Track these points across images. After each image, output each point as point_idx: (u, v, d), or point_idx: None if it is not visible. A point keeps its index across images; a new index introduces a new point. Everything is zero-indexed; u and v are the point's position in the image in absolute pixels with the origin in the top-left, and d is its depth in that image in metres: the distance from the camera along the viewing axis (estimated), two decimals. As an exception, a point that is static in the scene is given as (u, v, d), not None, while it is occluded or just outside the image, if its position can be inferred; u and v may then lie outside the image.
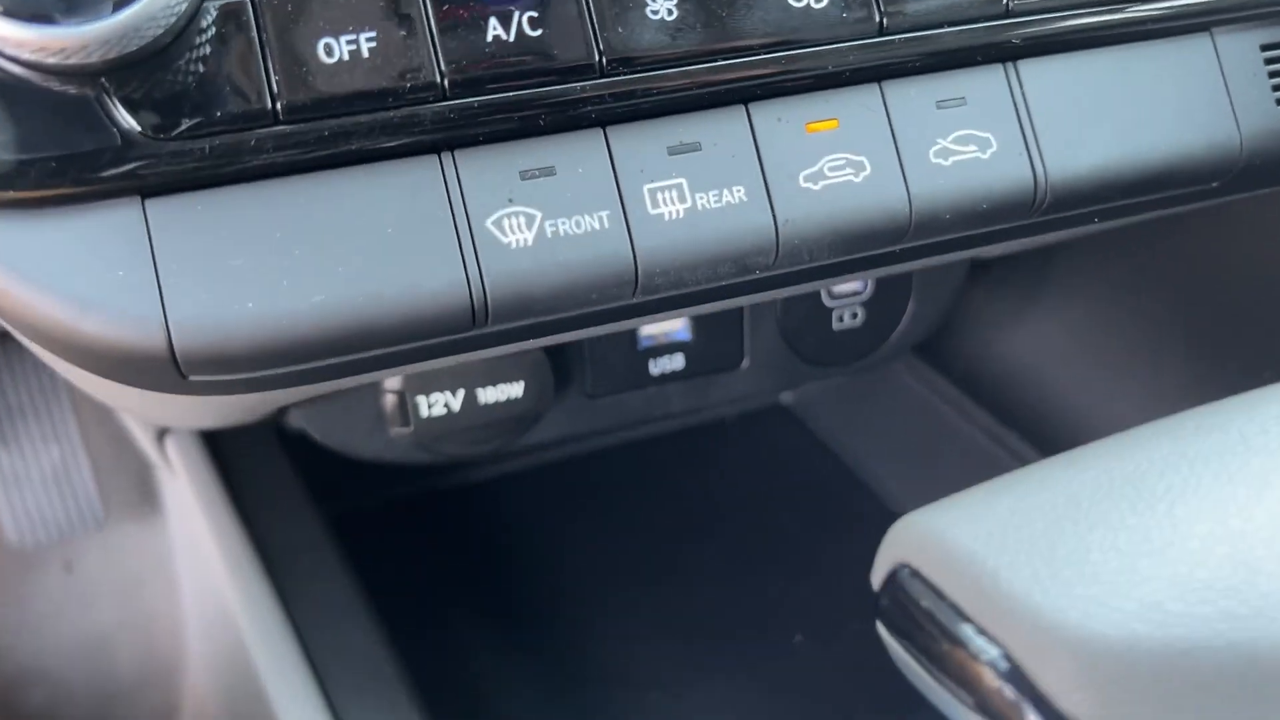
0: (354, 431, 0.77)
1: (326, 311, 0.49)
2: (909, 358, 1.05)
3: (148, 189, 0.48)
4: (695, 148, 0.53)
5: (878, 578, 0.46)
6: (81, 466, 1.18)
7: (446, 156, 0.51)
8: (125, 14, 0.43)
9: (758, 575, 1.03)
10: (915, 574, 0.43)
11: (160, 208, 0.48)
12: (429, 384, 0.75)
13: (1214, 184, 0.63)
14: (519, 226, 0.51)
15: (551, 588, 1.00)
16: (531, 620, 0.98)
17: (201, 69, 0.47)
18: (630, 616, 0.98)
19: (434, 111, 0.49)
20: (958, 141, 0.57)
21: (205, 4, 0.47)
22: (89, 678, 1.22)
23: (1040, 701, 0.39)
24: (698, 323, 0.85)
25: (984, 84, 0.57)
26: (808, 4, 0.53)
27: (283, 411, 0.77)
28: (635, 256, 0.52)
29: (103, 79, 0.45)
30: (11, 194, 0.46)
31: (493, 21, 0.50)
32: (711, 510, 1.10)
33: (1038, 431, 0.98)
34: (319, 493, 0.91)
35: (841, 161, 0.55)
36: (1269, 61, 0.62)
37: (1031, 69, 0.58)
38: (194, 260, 0.48)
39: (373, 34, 0.48)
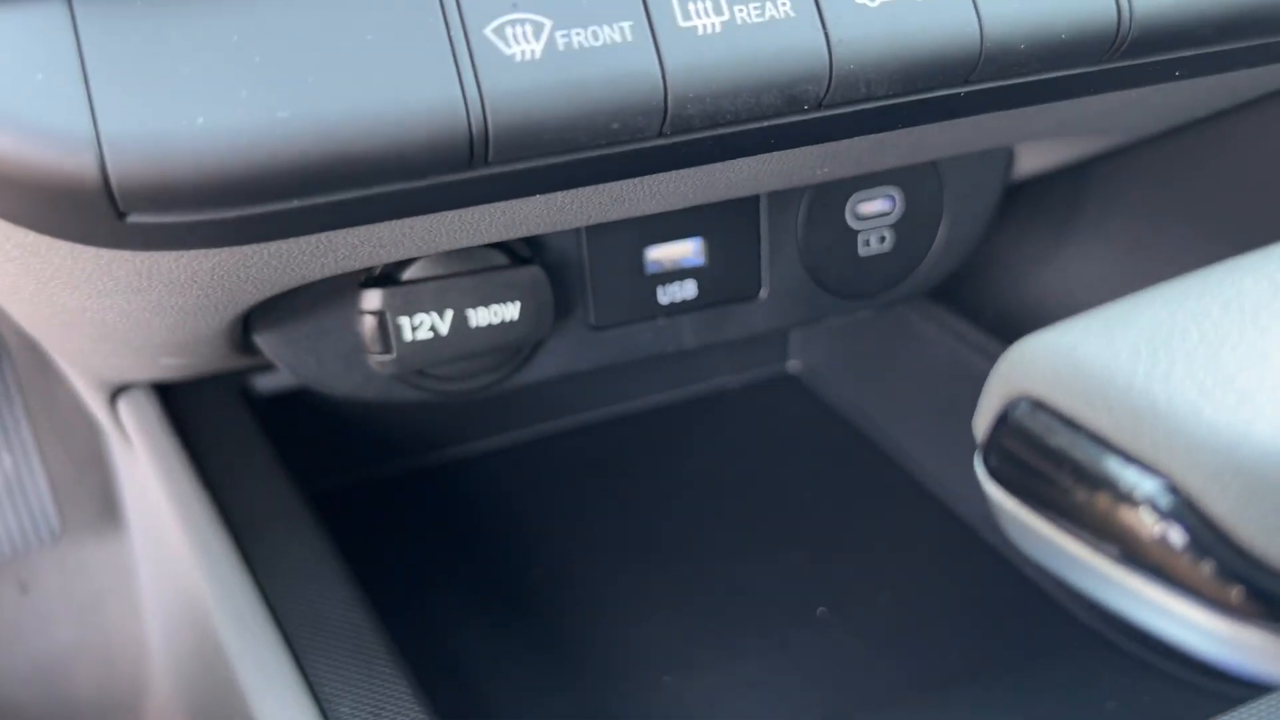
0: (328, 362, 0.68)
1: (293, 130, 0.40)
2: (930, 306, 0.97)
3: (74, -24, 0.39)
4: (729, -53, 0.45)
5: (983, 422, 0.37)
6: (36, 477, 1.09)
7: None
8: None
9: (773, 549, 0.94)
10: (1039, 405, 0.35)
11: (90, 1, 0.39)
12: (413, 303, 0.66)
13: None
14: (524, 36, 0.43)
15: (552, 566, 0.91)
16: (531, 601, 0.88)
17: None
18: (637, 595, 0.89)
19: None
20: (1031, -38, 0.49)
21: None
22: (46, 702, 1.13)
23: (1218, 539, 0.31)
24: (712, 247, 0.77)
25: None
26: None
27: (248, 346, 0.68)
28: (664, 76, 0.44)
29: None
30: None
31: None
32: (719, 484, 1.01)
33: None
34: (295, 471, 0.81)
35: (901, -25, 0.47)
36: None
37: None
38: (131, 65, 0.39)
39: None
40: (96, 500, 1.06)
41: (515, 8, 0.43)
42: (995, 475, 0.36)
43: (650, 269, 0.75)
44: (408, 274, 0.66)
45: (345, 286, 0.67)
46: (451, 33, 0.42)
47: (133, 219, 0.41)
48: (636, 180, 0.51)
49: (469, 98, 0.42)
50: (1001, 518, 0.37)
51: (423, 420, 0.97)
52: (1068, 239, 0.92)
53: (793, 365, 1.14)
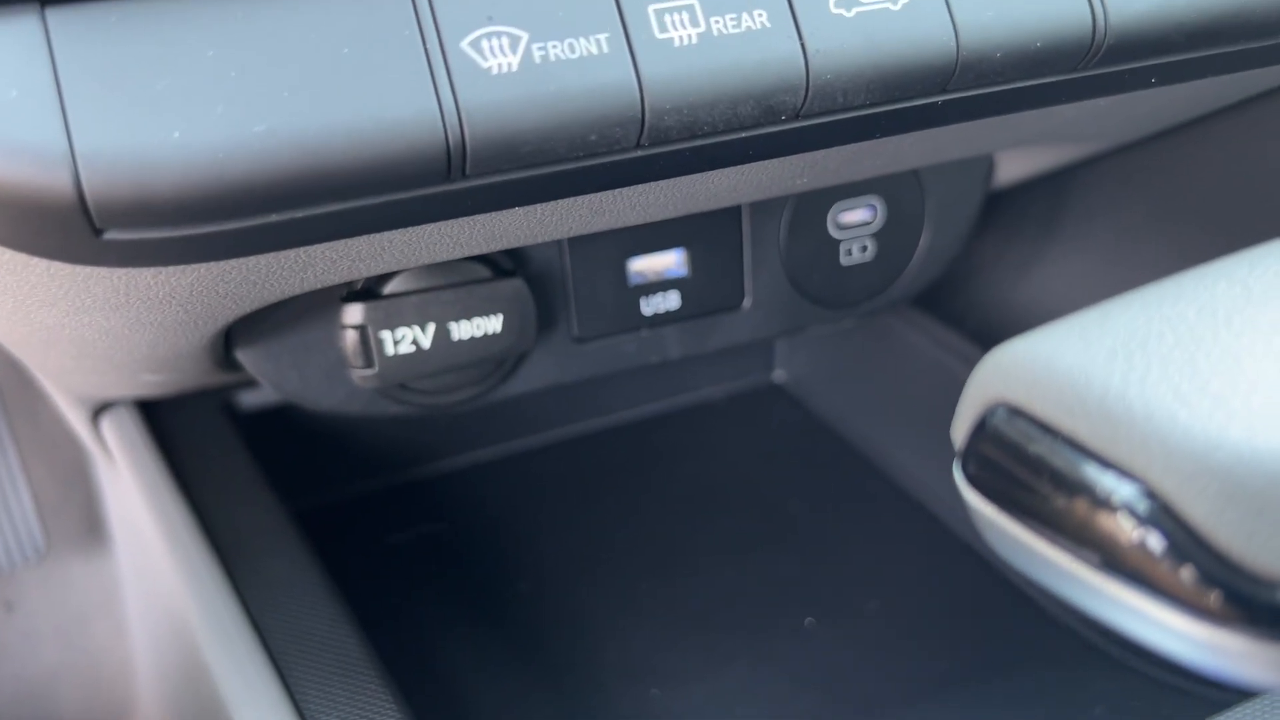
0: (310, 377, 0.67)
1: (270, 145, 0.40)
2: (914, 314, 0.98)
3: (48, -8, 0.39)
4: (706, -39, 0.45)
5: (962, 429, 0.37)
6: (21, 494, 1.08)
7: None
8: None
9: (759, 558, 0.94)
10: (1017, 412, 0.35)
11: (65, 16, 0.39)
12: (395, 317, 0.66)
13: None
14: (501, 49, 0.43)
15: (538, 580, 0.91)
16: (517, 614, 0.88)
17: None
18: (624, 606, 0.89)
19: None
20: (1006, -28, 0.49)
21: None
22: (31, 724, 1.12)
23: (1196, 544, 0.31)
24: (695, 258, 0.77)
25: None
26: None
27: (230, 362, 0.68)
28: (641, 88, 0.44)
29: None
30: None
31: None
32: (705, 493, 1.01)
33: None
34: (279, 489, 0.81)
35: (877, -15, 0.47)
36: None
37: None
38: (106, 80, 0.39)
39: None
40: (81, 518, 1.05)
41: (491, 20, 0.43)
42: (974, 482, 0.36)
43: (633, 280, 0.75)
44: (389, 288, 0.66)
45: (326, 301, 0.67)
46: (428, 46, 0.42)
47: (109, 235, 0.40)
48: (616, 192, 0.51)
49: (446, 111, 0.42)
50: (981, 525, 0.37)
51: (407, 434, 0.97)
52: (1049, 246, 0.92)
53: (778, 375, 1.14)
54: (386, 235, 0.48)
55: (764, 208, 0.77)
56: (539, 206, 0.50)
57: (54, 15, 0.39)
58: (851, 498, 1.01)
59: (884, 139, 0.53)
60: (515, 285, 0.68)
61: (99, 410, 0.83)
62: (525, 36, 0.43)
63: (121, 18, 0.39)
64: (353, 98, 0.41)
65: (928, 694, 0.82)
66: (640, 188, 0.50)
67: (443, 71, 0.42)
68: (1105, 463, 0.32)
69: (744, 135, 0.47)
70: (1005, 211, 0.94)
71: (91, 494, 1.04)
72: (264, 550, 0.75)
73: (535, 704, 0.81)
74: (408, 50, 0.42)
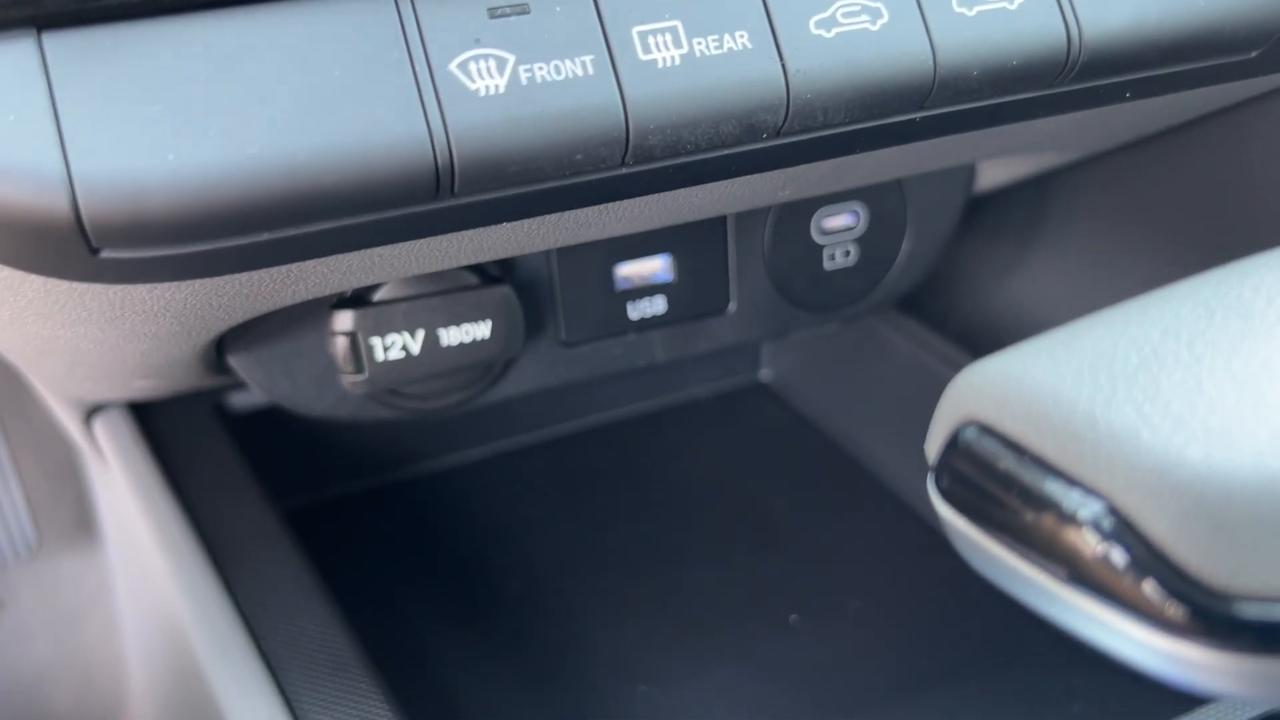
0: (301, 383, 0.68)
1: (262, 166, 0.41)
2: (897, 317, 0.99)
3: (45, 19, 0.40)
4: (685, -15, 0.46)
5: (935, 445, 0.38)
6: (12, 491, 1.09)
7: None
8: None
9: (745, 557, 0.95)
10: (987, 430, 0.36)
11: (61, 41, 0.40)
12: (384, 324, 0.67)
13: (1253, 53, 0.57)
14: (488, 71, 0.44)
15: (528, 579, 0.92)
16: (507, 614, 0.89)
17: None
18: (612, 605, 0.90)
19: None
20: (983, -9, 0.50)
21: None
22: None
23: (1157, 559, 0.32)
24: (680, 263, 0.78)
25: None
26: None
27: (221, 367, 0.69)
28: (625, 108, 0.45)
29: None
30: None
31: None
32: (692, 494, 1.02)
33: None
34: (270, 489, 0.82)
35: (856, 7, 0.48)
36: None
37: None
38: (102, 103, 0.40)
39: None
40: (73, 515, 1.06)
41: (479, 43, 0.44)
42: (946, 496, 0.38)
43: (620, 285, 0.76)
44: (379, 295, 0.67)
45: (317, 308, 0.67)
46: (416, 69, 0.43)
47: (105, 254, 0.41)
48: (601, 207, 0.52)
49: (434, 132, 0.43)
50: (953, 537, 0.38)
51: (398, 435, 0.98)
52: (1030, 251, 0.93)
53: (764, 374, 1.15)
54: (376, 250, 0.49)
55: (748, 214, 0.78)
56: (526, 222, 0.51)
57: (50, 39, 0.40)
58: (836, 497, 1.02)
59: (864, 154, 0.54)
60: (503, 292, 0.69)
61: (91, 411, 0.84)
62: (512, 59, 0.44)
63: (117, 41, 0.40)
64: (343, 120, 0.42)
65: (910, 692, 0.83)
66: (625, 203, 0.51)
67: (431, 93, 0.43)
68: (1071, 480, 0.34)
69: (726, 153, 0.48)
70: (987, 217, 0.95)
71: (83, 491, 1.05)
72: (255, 550, 0.76)
73: (525, 702, 0.83)
74: (397, 72, 0.43)
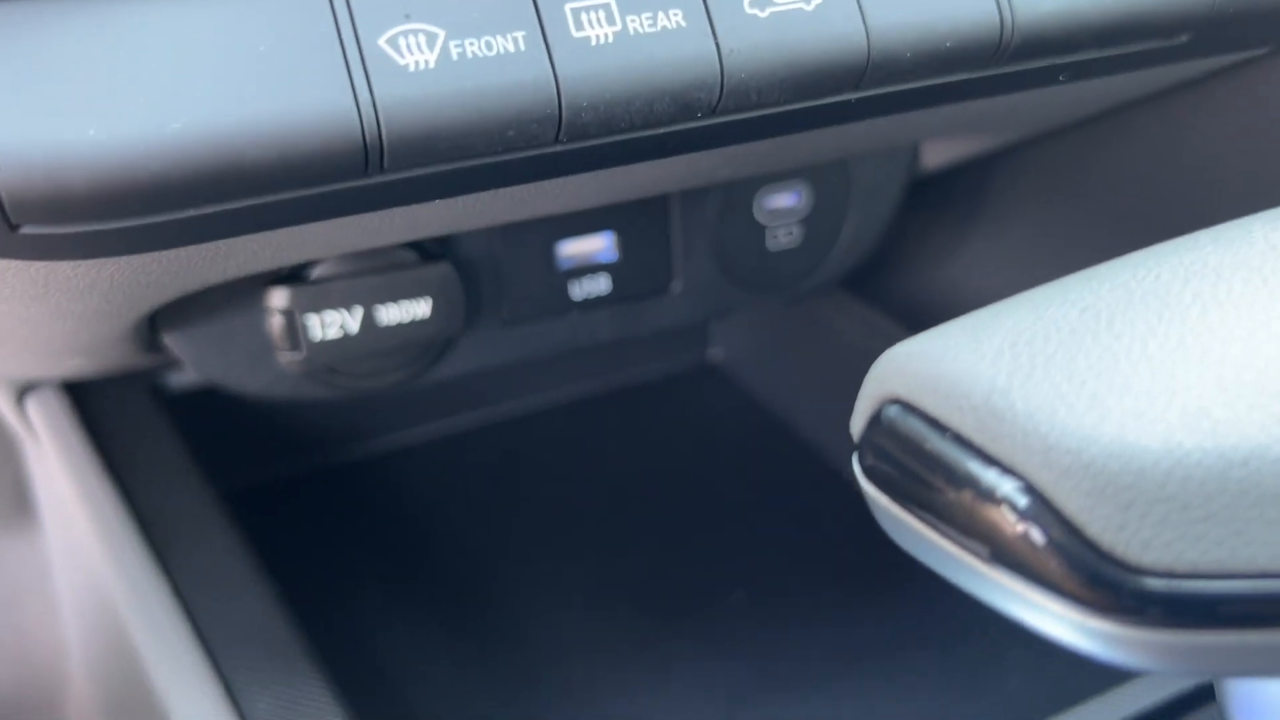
0: (236, 360, 0.68)
1: (186, 142, 0.40)
2: (841, 296, 0.99)
3: (-44, -13, 0.39)
4: (621, -38, 0.46)
5: (859, 424, 0.39)
6: None
7: None
8: None
9: (692, 538, 0.96)
10: (908, 408, 0.36)
11: (-27, 11, 0.39)
12: (321, 301, 0.66)
13: (1183, 37, 0.58)
14: (418, 46, 0.43)
15: (470, 560, 0.92)
16: (449, 594, 0.89)
17: None
18: (555, 588, 0.90)
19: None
20: (918, -27, 0.50)
21: None
22: (-38, 701, 1.11)
23: (1073, 534, 0.32)
24: (624, 242, 0.78)
25: None
26: None
27: (156, 345, 0.68)
28: (558, 84, 0.45)
29: None
30: None
31: None
32: (640, 473, 1.02)
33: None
34: (208, 469, 0.81)
35: (787, -15, 0.48)
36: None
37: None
38: (19, 77, 0.39)
39: None
40: (8, 495, 1.04)
41: (408, 18, 0.43)
42: (869, 474, 0.38)
43: (563, 265, 0.76)
44: (316, 272, 0.67)
45: (252, 285, 0.67)
46: (345, 43, 0.42)
47: (25, 230, 0.41)
48: (537, 185, 0.52)
49: (363, 107, 0.42)
50: (878, 514, 0.39)
51: (337, 415, 0.97)
52: (971, 232, 0.94)
53: (714, 354, 1.15)
54: (307, 227, 0.48)
55: (692, 193, 0.78)
56: (460, 199, 0.50)
57: (-35, 10, 0.39)
58: (782, 474, 1.03)
59: (801, 134, 0.54)
60: (443, 269, 0.69)
61: (23, 391, 0.83)
62: (442, 34, 0.44)
63: (34, 15, 0.39)
64: (269, 95, 0.41)
65: (849, 665, 0.84)
66: (561, 180, 0.51)
67: (359, 68, 0.42)
68: (989, 458, 0.34)
69: (661, 131, 0.48)
70: (930, 197, 0.96)
71: (19, 471, 1.03)
72: (191, 531, 0.75)
73: (467, 683, 0.83)
74: (325, 47, 0.42)
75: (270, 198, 0.43)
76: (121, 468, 0.78)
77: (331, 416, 0.97)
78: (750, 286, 0.83)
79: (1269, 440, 0.32)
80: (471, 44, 0.44)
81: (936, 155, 0.85)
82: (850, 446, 0.40)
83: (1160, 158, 0.83)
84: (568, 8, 0.45)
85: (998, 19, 0.52)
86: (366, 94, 0.42)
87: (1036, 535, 0.33)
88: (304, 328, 0.66)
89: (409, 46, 0.43)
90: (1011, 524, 0.34)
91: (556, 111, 0.45)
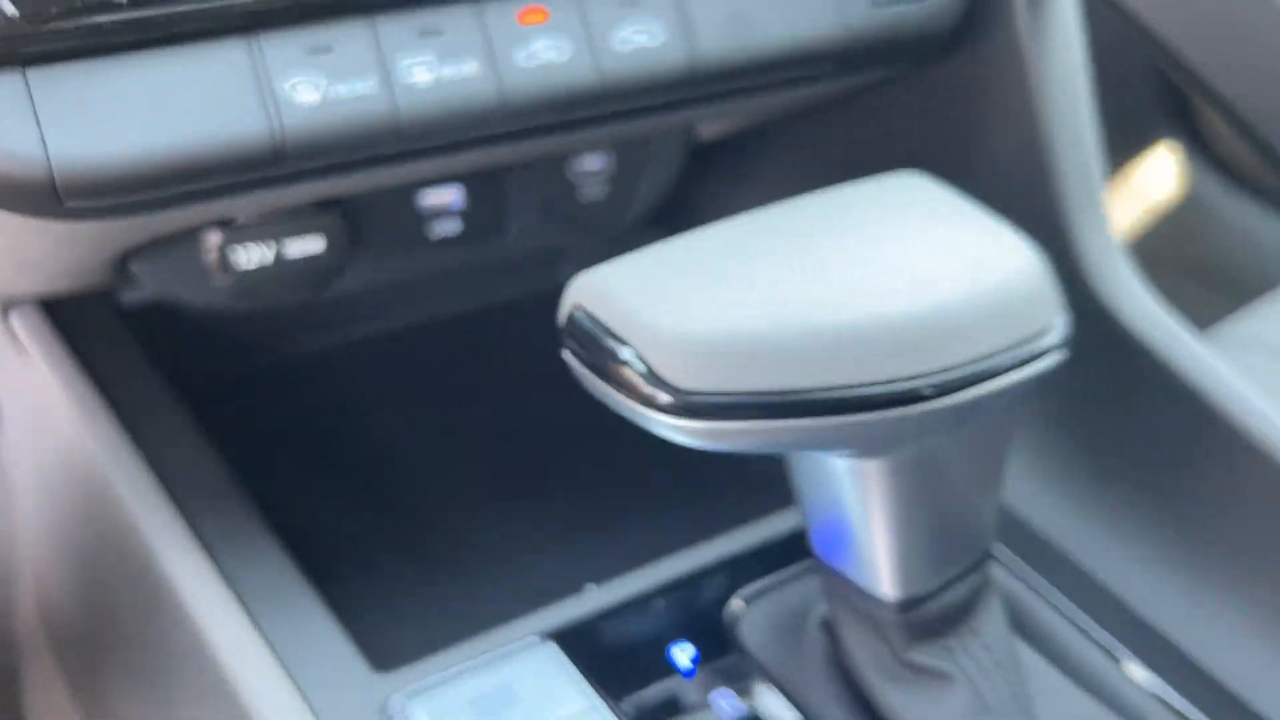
0: (184, 282, 0.93)
1: (165, 153, 0.67)
2: (654, 233, 1.26)
3: (27, 59, 0.65)
4: (439, 31, 0.73)
5: (562, 320, 0.67)
6: None
7: (254, 39, 0.69)
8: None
9: (550, 437, 1.16)
10: (584, 312, 0.65)
11: (37, 75, 0.65)
12: (245, 239, 0.92)
13: (827, 67, 0.86)
14: (307, 89, 0.70)
15: (376, 440, 1.14)
16: (358, 465, 1.12)
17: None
18: (440, 463, 1.13)
19: (243, 5, 0.68)
20: (636, 33, 0.78)
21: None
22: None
23: (656, 378, 0.62)
24: (470, 194, 1.05)
25: None
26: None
27: (123, 269, 0.93)
28: (398, 112, 0.72)
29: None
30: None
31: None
32: (506, 371, 1.23)
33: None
34: (159, 368, 1.05)
35: (549, 44, 0.76)
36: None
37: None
38: (68, 115, 0.65)
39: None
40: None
41: (301, 71, 0.70)
42: (571, 354, 0.67)
43: (423, 211, 1.03)
44: (240, 219, 0.93)
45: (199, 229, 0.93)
46: (262, 88, 0.69)
47: (69, 204, 0.67)
48: (392, 168, 0.79)
49: (274, 127, 0.69)
50: (581, 381, 0.67)
51: (262, 325, 1.22)
52: (744, 189, 1.23)
53: (561, 274, 1.42)
54: (242, 197, 0.75)
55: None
56: (338, 178, 0.77)
57: (31, 74, 0.65)
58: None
59: (570, 135, 0.82)
60: (333, 216, 0.95)
61: (6, 307, 1.06)
62: (324, 82, 0.70)
63: (70, 75, 0.66)
64: (219, 123, 0.68)
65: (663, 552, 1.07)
66: (409, 165, 0.79)
67: (272, 103, 0.69)
68: (619, 339, 0.63)
69: (474, 136, 0.76)
70: (714, 148, 1.23)
71: None
72: (156, 417, 0.99)
73: (366, 533, 1.06)
74: (251, 92, 0.69)
75: (215, 183, 0.70)
76: (95, 367, 1.03)
77: (257, 326, 1.22)
78: (569, 229, 1.11)
79: (784, 322, 0.61)
80: (339, 88, 0.71)
81: (709, 130, 1.14)
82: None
83: (876, 137, 1.12)
84: (404, 62, 0.72)
85: (689, 62, 0.80)
86: (277, 119, 0.69)
87: (646, 386, 0.62)
88: (232, 259, 0.93)
89: (302, 89, 0.70)
90: (630, 375, 0.63)
91: (397, 129, 0.72)
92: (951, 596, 0.73)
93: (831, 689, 0.80)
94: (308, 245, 0.95)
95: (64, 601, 1.19)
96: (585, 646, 0.85)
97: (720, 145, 1.20)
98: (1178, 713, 0.80)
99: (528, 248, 1.09)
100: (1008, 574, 0.87)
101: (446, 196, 1.04)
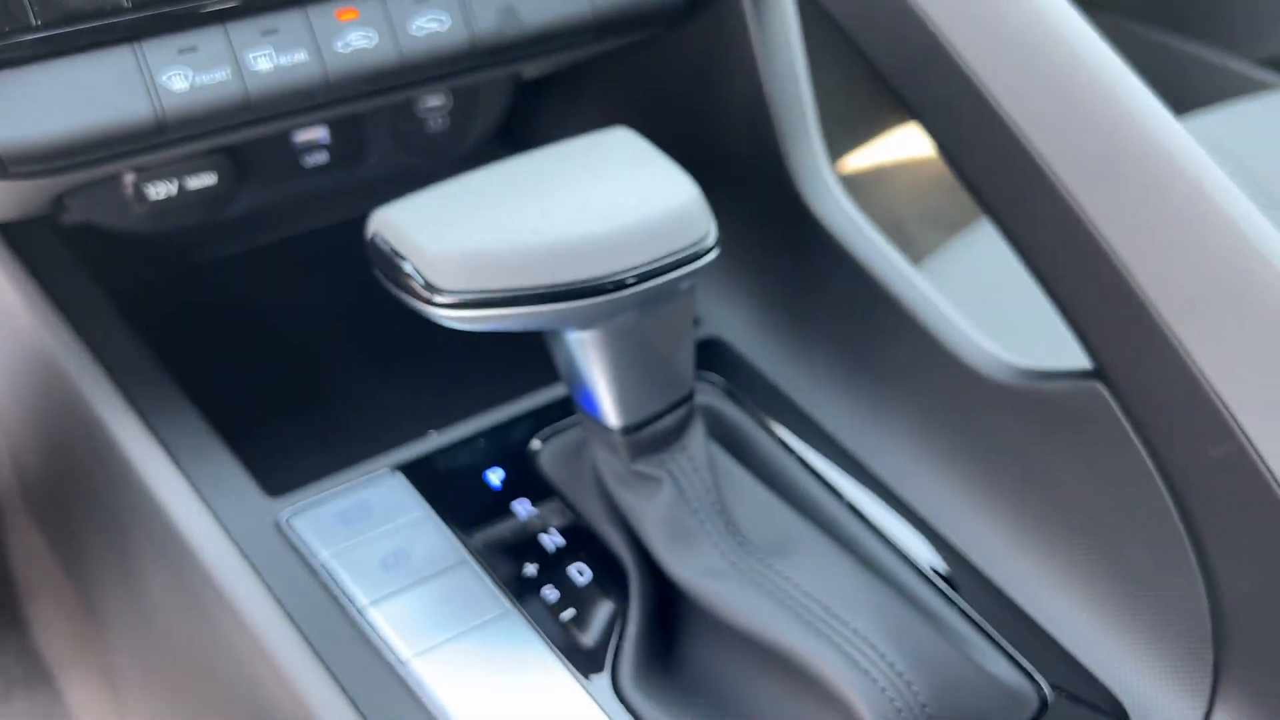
0: (109, 211, 1.20)
1: (76, 131, 0.95)
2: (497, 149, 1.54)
3: (-27, 68, 0.92)
4: (276, 30, 1.00)
5: (367, 242, 0.96)
6: None
7: (137, 45, 0.96)
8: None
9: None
10: (380, 237, 0.94)
11: (-14, 77, 0.92)
12: (153, 177, 1.19)
13: (586, 37, 1.13)
14: (179, 80, 0.98)
15: (288, 331, 1.41)
16: (274, 354, 1.37)
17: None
18: (340, 347, 1.41)
19: (127, 22, 0.95)
20: (428, 21, 1.05)
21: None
22: None
23: (427, 283, 0.91)
24: (334, 131, 1.31)
25: None
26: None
27: (59, 203, 1.20)
28: (248, 93, 1.00)
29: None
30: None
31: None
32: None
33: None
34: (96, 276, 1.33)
35: (360, 35, 1.03)
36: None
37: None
38: (8, 109, 0.93)
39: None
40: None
41: (175, 66, 0.97)
42: (375, 268, 0.95)
43: (297, 146, 1.30)
44: (152, 159, 1.20)
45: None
46: (146, 80, 0.96)
47: (12, 170, 0.94)
48: (253, 129, 1.06)
49: (157, 111, 0.96)
50: (387, 290, 0.96)
51: (175, 240, 1.50)
52: (574, 112, 1.50)
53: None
54: (142, 155, 1.03)
55: None
56: (213, 139, 1.05)
57: (-20, 78, 0.92)
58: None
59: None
60: (222, 155, 1.22)
61: None
62: (191, 73, 0.97)
63: (8, 79, 0.92)
64: (116, 108, 0.95)
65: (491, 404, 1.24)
66: (261, 127, 1.06)
67: (154, 90, 0.96)
68: (403, 256, 0.92)
69: (319, 101, 1.03)
70: (545, 87, 1.50)
71: None
72: (96, 312, 1.27)
73: (271, 393, 1.37)
74: (138, 85, 0.96)
75: (118, 150, 0.98)
76: (42, 276, 1.30)
77: (172, 241, 1.50)
78: (420, 156, 1.38)
79: (491, 246, 0.90)
80: (203, 77, 0.98)
81: (530, 71, 1.40)
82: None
83: (655, 74, 1.38)
84: (250, 54, 0.99)
85: (471, 40, 1.07)
86: (159, 102, 0.97)
87: (418, 286, 0.91)
88: (145, 192, 1.20)
89: (176, 80, 0.97)
90: (412, 282, 0.92)
91: (248, 103, 1.00)
92: (662, 424, 1.04)
93: (594, 496, 1.12)
94: (203, 180, 1.22)
95: (34, 466, 1.49)
96: (424, 475, 1.16)
97: (551, 77, 1.47)
98: (844, 500, 1.13)
99: (388, 171, 1.37)
100: (722, 397, 1.20)
101: (315, 133, 1.31)
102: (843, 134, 2.63)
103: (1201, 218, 0.88)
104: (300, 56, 1.01)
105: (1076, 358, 0.99)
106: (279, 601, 1.01)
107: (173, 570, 1.10)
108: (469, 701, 0.98)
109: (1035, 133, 0.92)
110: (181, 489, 1.12)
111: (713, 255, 0.96)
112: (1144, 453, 0.94)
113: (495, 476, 1.16)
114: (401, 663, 1.00)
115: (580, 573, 1.08)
